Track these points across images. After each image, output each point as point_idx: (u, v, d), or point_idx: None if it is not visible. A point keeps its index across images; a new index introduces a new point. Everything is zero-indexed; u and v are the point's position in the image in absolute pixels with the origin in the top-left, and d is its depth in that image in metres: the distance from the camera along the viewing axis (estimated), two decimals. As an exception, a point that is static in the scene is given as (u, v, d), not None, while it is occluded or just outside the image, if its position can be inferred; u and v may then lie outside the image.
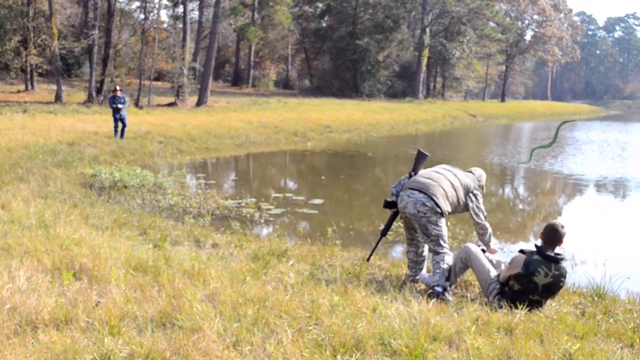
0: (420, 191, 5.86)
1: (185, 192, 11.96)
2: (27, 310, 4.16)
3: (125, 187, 12.06)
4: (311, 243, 7.78)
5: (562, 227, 5.15)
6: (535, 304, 5.11)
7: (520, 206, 13.85)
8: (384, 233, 6.34)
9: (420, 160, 6.30)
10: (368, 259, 6.55)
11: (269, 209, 10.99)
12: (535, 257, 5.09)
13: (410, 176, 6.18)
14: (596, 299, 5.52)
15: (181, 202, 10.70)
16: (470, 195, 6.00)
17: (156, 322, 4.15)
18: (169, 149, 19.40)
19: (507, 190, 16.18)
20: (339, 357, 3.74)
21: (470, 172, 6.29)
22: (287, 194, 13.15)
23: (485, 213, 6.06)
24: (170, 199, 10.88)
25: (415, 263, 6.17)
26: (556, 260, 5.07)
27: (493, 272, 5.47)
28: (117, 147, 17.55)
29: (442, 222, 5.89)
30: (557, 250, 5.18)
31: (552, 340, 4.16)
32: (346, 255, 7.08)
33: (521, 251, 5.26)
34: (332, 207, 12.00)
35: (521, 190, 16.30)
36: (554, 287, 5.09)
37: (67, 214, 8.00)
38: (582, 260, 7.84)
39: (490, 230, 6.06)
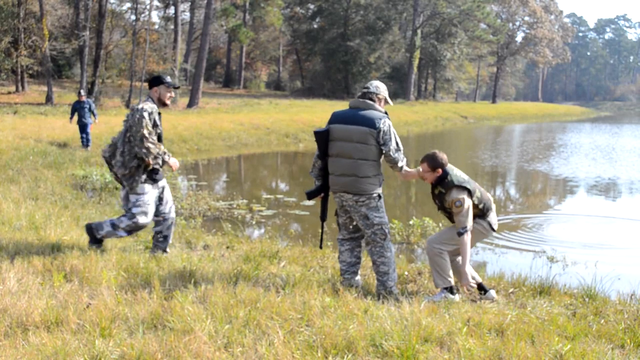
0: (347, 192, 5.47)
1: (177, 194, 11.92)
2: (18, 312, 4.14)
3: (117, 188, 11.99)
4: (303, 244, 7.77)
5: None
6: None
7: (512, 207, 13.90)
8: (323, 218, 5.81)
9: (320, 142, 5.73)
10: (320, 247, 6.06)
11: (261, 211, 10.98)
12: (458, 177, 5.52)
13: (320, 158, 5.68)
14: (587, 299, 5.54)
15: (172, 204, 10.65)
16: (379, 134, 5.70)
17: (147, 324, 4.14)
18: (160, 150, 19.30)
19: (499, 191, 16.23)
20: (330, 358, 3.74)
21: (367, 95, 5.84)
22: (279, 196, 13.13)
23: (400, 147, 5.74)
24: (162, 200, 10.83)
25: (349, 265, 5.69)
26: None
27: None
28: (108, 149, 17.44)
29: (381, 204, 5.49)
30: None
31: (543, 341, 4.17)
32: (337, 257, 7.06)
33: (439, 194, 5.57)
34: (323, 208, 11.97)
35: (512, 191, 16.35)
36: None
37: (57, 216, 7.97)
38: (573, 262, 7.86)
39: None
